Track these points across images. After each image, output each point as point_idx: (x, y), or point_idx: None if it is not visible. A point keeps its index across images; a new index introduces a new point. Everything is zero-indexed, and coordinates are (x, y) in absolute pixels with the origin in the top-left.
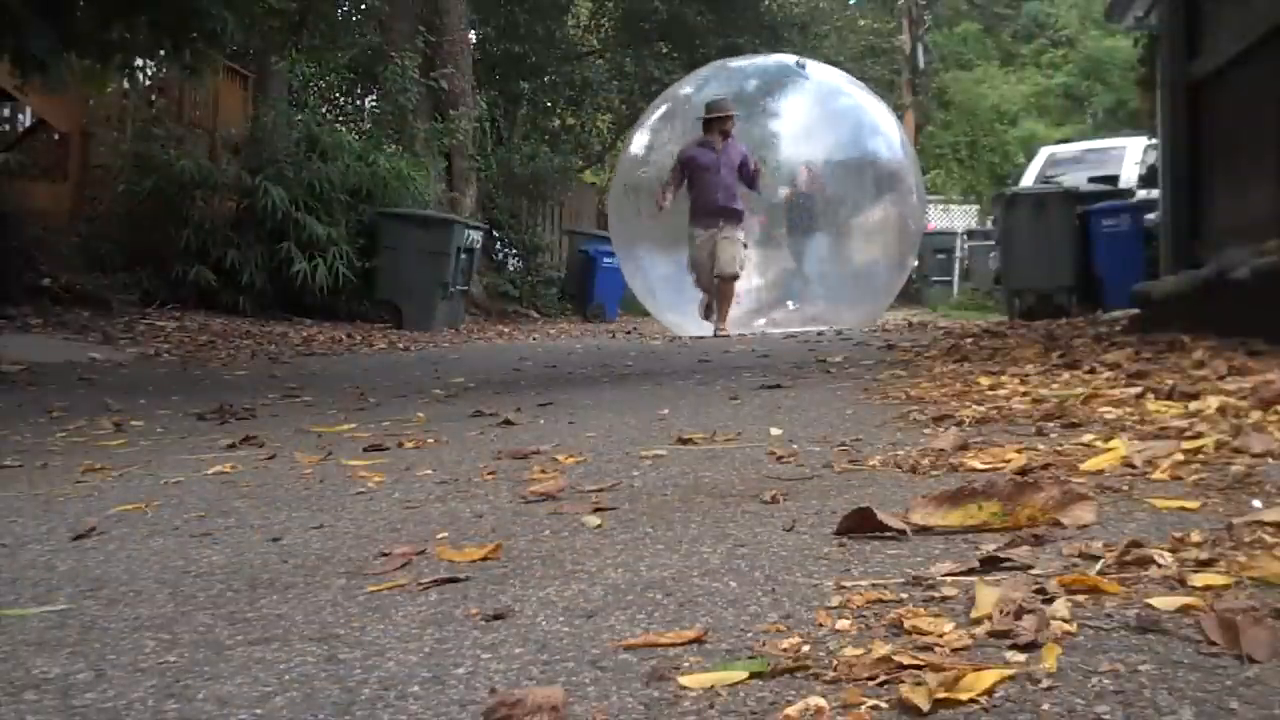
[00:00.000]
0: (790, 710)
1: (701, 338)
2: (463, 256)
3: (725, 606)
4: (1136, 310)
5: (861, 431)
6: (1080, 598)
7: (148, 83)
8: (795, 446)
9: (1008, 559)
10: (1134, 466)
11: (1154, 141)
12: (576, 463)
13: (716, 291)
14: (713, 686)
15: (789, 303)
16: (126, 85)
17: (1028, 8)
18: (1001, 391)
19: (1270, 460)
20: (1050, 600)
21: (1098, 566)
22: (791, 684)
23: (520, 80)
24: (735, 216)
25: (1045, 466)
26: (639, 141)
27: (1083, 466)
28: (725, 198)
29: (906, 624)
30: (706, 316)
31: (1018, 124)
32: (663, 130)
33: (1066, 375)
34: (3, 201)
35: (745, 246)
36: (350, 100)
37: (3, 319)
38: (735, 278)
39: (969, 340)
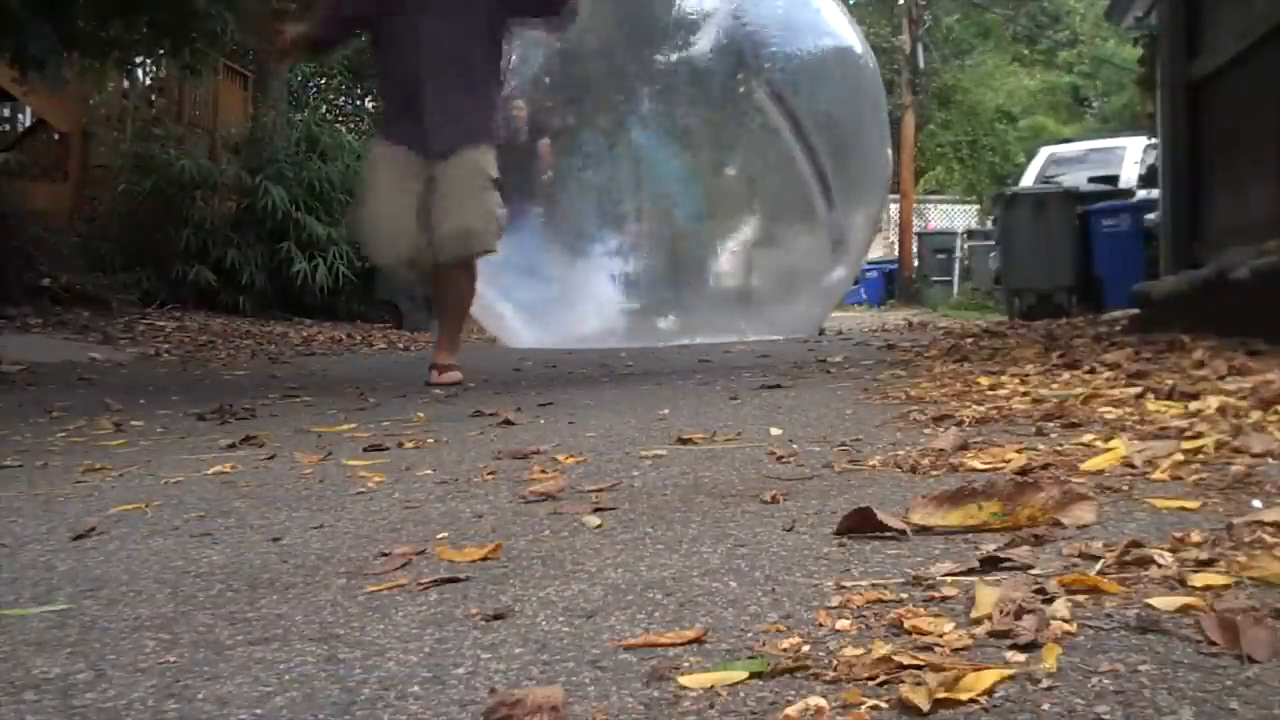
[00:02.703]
0: (790, 710)
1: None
2: None
3: (725, 606)
4: (1136, 310)
5: (861, 431)
6: (1080, 598)
7: (148, 83)
8: (795, 446)
9: (1008, 559)
10: (1134, 466)
11: (1154, 141)
12: (576, 463)
13: (433, 287)
14: (713, 686)
15: (665, 318)
16: (126, 85)
17: (1030, 7)
18: (1001, 391)
19: (1270, 460)
20: (1050, 600)
21: (1098, 566)
22: (791, 684)
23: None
24: (475, 127)
25: (1045, 466)
26: None
27: (1083, 466)
28: (451, 81)
29: (906, 624)
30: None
31: (1020, 121)
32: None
33: (1066, 375)
34: (3, 201)
35: (499, 188)
36: (350, 100)
37: (3, 319)
38: (476, 255)
39: (969, 340)
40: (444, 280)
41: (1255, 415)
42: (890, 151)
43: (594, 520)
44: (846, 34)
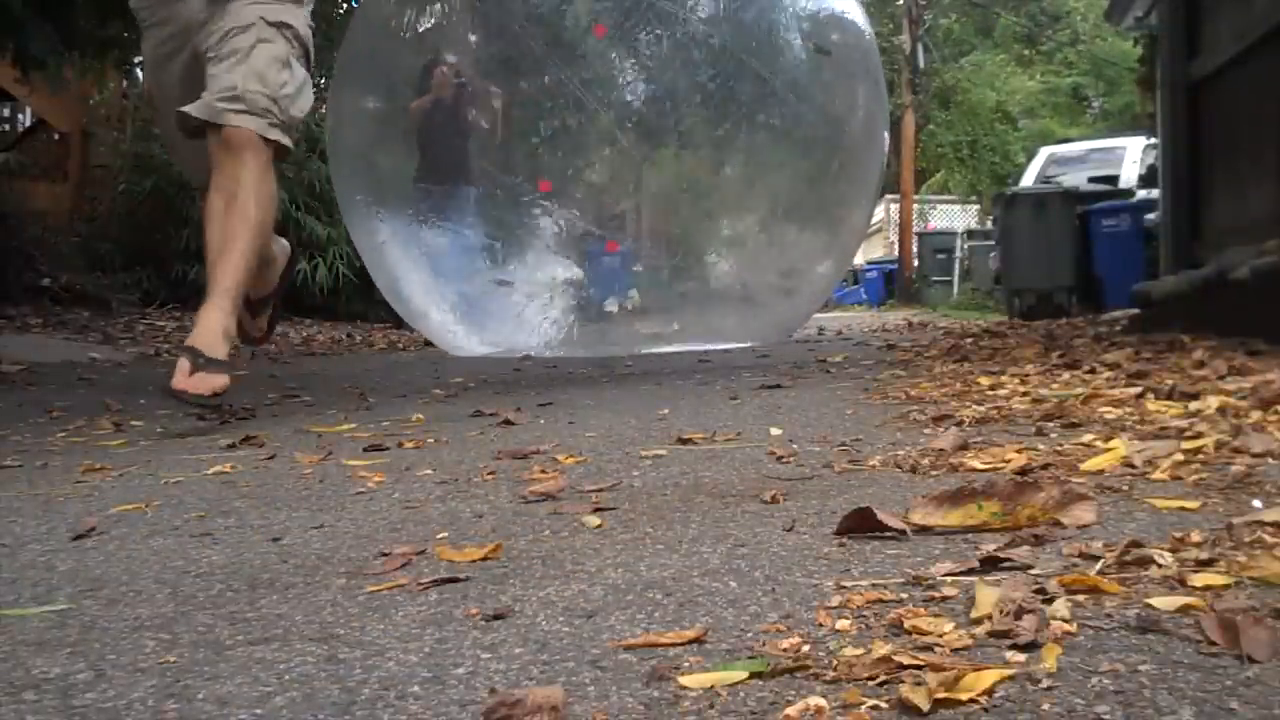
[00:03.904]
0: (790, 710)
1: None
2: None
3: (725, 606)
4: (1136, 310)
5: (861, 431)
6: (1080, 598)
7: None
8: (795, 446)
9: (1008, 559)
10: (1134, 466)
11: (1154, 141)
12: (576, 463)
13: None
14: (713, 686)
15: (619, 302)
16: (126, 85)
17: (1030, 7)
18: (1001, 391)
19: (1270, 460)
20: (1050, 600)
21: (1098, 566)
22: (791, 684)
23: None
24: None
25: (1045, 466)
26: None
27: (1083, 466)
28: None
29: (906, 624)
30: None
31: (1022, 123)
32: None
33: (1066, 375)
34: (3, 201)
35: (299, 42)
36: None
37: (3, 319)
38: (241, 126)
39: (969, 340)
40: (217, 181)
41: (1255, 415)
42: (887, 135)
43: (594, 520)
44: (854, 11)
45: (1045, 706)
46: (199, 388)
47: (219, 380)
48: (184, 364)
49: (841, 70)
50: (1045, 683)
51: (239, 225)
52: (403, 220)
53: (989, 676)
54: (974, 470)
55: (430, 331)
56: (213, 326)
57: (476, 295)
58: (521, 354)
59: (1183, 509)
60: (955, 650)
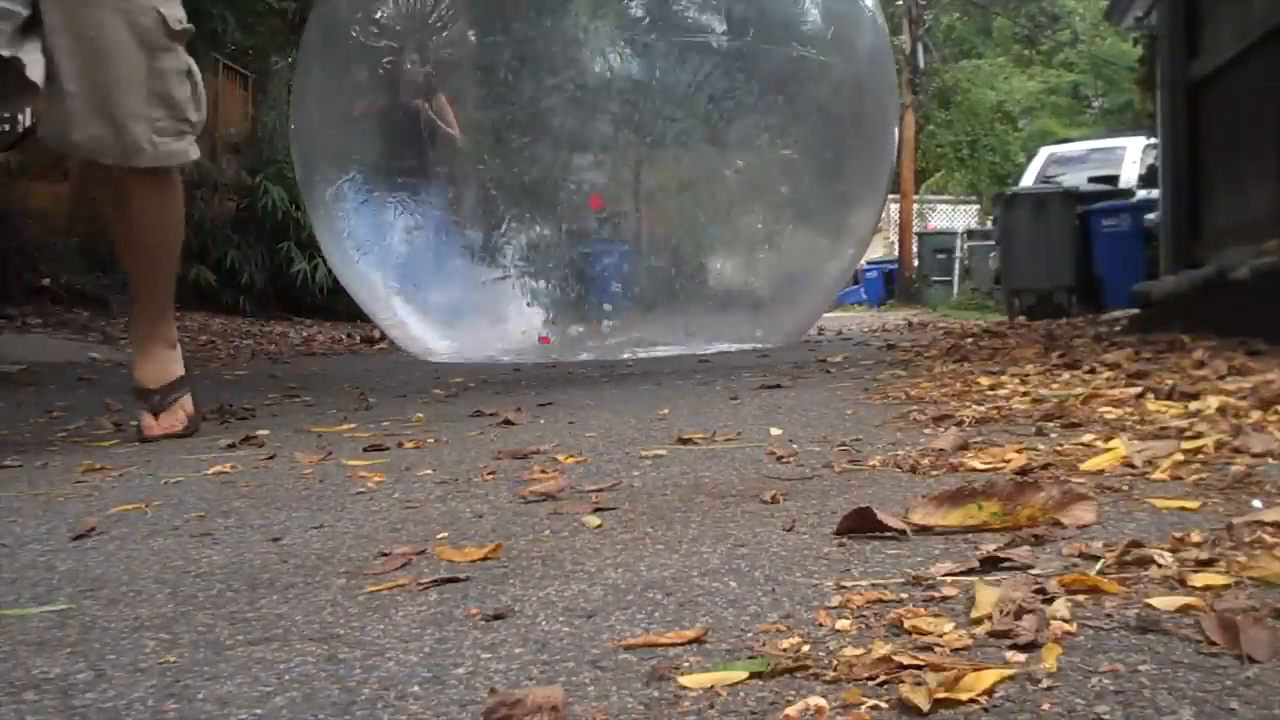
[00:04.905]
0: (790, 710)
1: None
2: None
3: (725, 606)
4: (1136, 310)
5: (861, 431)
6: (1080, 598)
7: None
8: (795, 446)
9: (1008, 559)
10: (1134, 466)
11: (1154, 141)
12: (576, 463)
13: (109, 214)
14: (713, 686)
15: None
16: None
17: (1030, 8)
18: (1001, 391)
19: (1270, 460)
20: (1050, 600)
21: (1098, 566)
22: (791, 684)
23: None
24: None
25: (1045, 466)
26: None
27: (1083, 466)
28: None
29: (906, 624)
30: None
31: (1022, 123)
32: None
33: (1066, 375)
34: (3, 201)
35: (180, 36)
36: None
37: (3, 319)
38: (154, 165)
39: (969, 340)
40: (120, 201)
41: (1255, 415)
42: (896, 131)
43: (594, 520)
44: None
45: (1045, 706)
46: (171, 428)
47: (182, 414)
48: (145, 416)
49: (850, 66)
50: (1045, 683)
51: (144, 268)
52: (367, 214)
53: (989, 676)
54: (974, 470)
55: (397, 335)
56: (150, 363)
57: (446, 298)
58: (488, 359)
59: (1183, 509)
60: (955, 650)
